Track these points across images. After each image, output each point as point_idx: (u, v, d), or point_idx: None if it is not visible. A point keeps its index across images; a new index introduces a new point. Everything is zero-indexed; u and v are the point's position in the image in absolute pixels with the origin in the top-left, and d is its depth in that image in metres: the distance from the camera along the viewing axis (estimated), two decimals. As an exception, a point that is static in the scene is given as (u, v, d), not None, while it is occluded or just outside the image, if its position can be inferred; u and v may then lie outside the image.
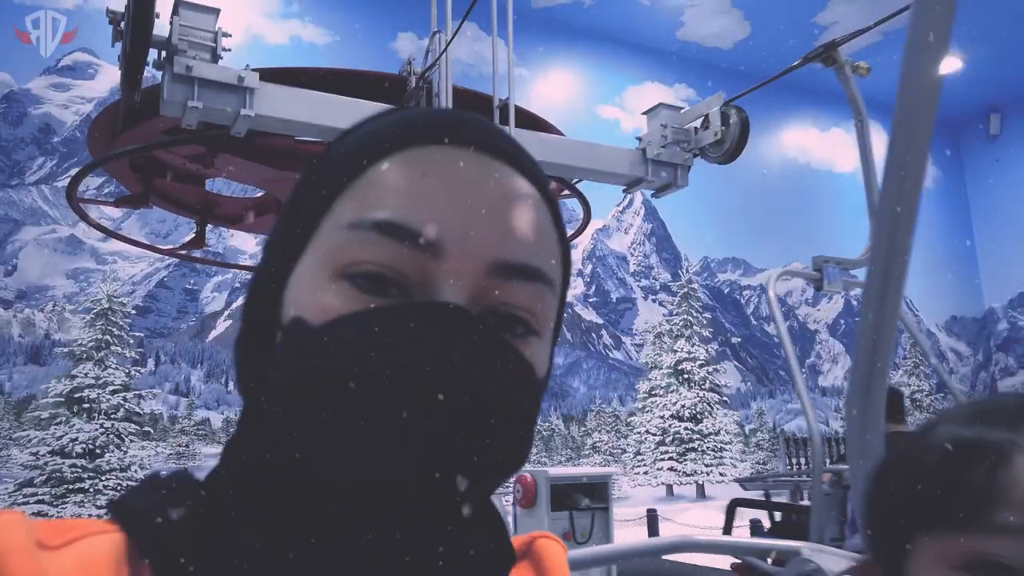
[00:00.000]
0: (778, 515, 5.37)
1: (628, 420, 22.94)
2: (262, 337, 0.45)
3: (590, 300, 24.38)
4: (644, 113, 4.51)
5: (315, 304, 0.41)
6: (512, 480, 3.38)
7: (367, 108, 3.79)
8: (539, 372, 0.45)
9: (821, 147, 19.60)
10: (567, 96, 15.16)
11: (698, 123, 4.39)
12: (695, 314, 20.81)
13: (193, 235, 5.72)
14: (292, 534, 0.41)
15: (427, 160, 0.43)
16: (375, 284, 0.41)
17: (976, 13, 14.72)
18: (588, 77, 15.60)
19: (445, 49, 3.55)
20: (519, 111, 4.33)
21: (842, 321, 17.65)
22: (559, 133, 4.80)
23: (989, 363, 19.39)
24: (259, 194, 5.83)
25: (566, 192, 5.21)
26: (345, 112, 3.47)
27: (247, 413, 0.46)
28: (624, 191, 4.57)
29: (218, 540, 0.41)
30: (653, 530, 11.21)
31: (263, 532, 0.42)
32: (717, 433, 20.72)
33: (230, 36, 3.21)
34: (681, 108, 4.53)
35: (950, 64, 17.40)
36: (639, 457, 21.70)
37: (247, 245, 21.98)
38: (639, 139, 4.44)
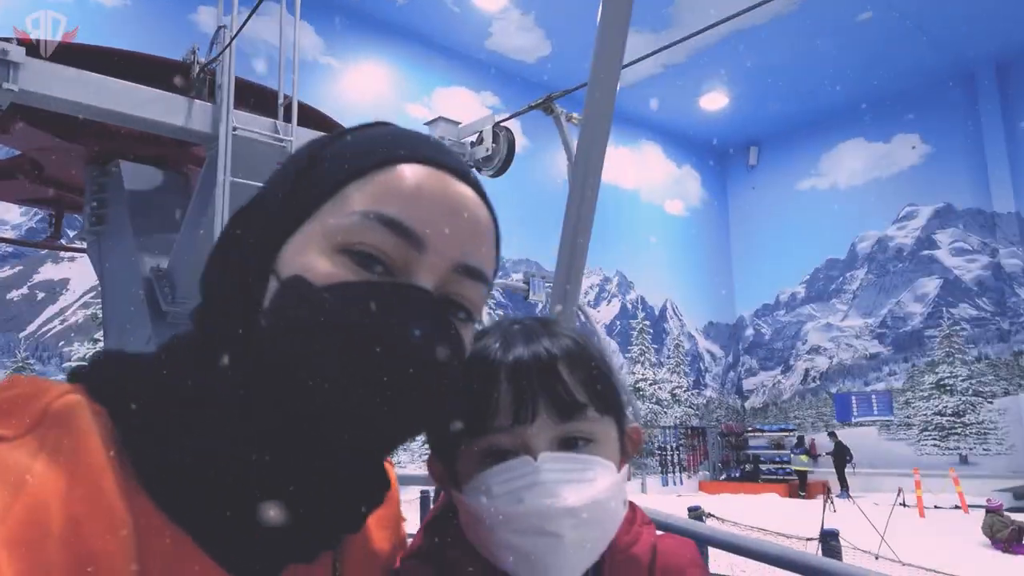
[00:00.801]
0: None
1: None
2: (241, 278, 0.54)
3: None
4: (426, 124, 4.89)
5: (320, 269, 0.51)
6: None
7: (143, 95, 3.84)
8: (467, 351, 0.58)
9: (608, 163, 21.01)
10: (377, 91, 15.12)
11: (474, 138, 4.84)
12: (488, 311, 21.73)
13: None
14: (249, 436, 0.51)
15: (423, 177, 0.56)
16: (367, 261, 0.53)
17: (742, 55, 16.54)
18: (399, 74, 15.63)
19: (229, 44, 3.70)
20: (306, 108, 4.52)
21: (617, 322, 19.18)
22: (337, 125, 5.03)
23: (737, 364, 21.91)
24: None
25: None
26: (118, 96, 3.50)
27: (219, 329, 0.55)
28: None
29: (189, 420, 0.50)
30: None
31: (235, 430, 0.51)
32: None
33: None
34: (459, 123, 4.96)
35: (718, 100, 19.58)
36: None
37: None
38: (418, 146, 4.81)
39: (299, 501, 0.51)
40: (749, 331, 21.97)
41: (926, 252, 18.46)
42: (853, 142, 19.93)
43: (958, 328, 17.60)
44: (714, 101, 19.51)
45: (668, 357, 19.97)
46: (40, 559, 0.40)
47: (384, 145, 0.57)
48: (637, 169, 19.96)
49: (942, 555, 7.81)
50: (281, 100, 4.18)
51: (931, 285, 18.31)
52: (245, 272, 0.54)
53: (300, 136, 4.09)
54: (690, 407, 20.08)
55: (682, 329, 20.65)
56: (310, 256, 0.52)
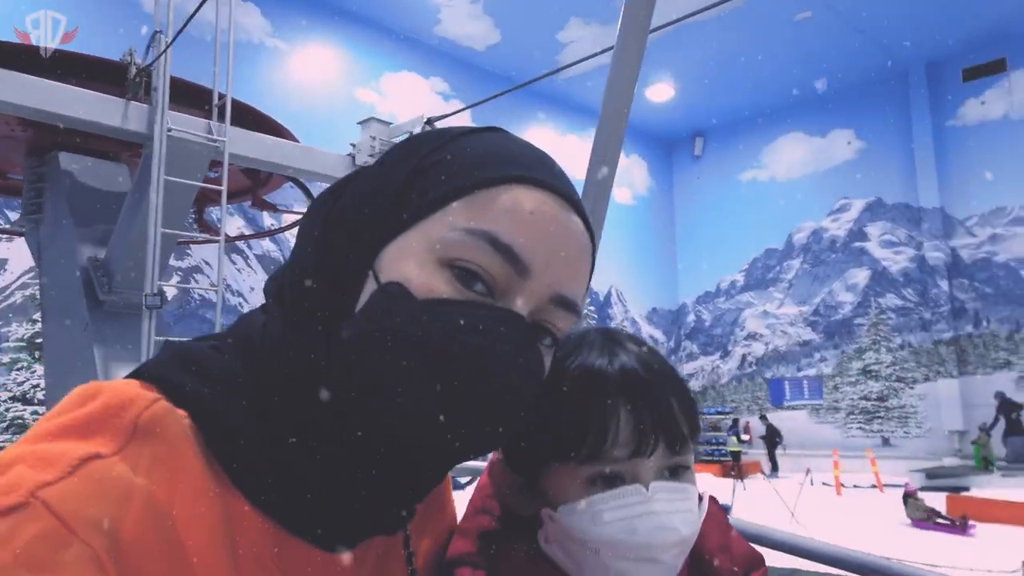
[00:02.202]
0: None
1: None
2: (329, 277, 0.54)
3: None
4: (359, 123, 5.12)
5: (420, 280, 0.51)
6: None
7: (79, 95, 4.00)
8: (546, 374, 0.58)
9: (559, 151, 21.28)
10: (325, 74, 15.02)
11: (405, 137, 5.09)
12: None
13: None
14: (332, 434, 0.53)
15: (538, 203, 0.54)
16: (469, 279, 0.52)
17: (688, 48, 16.93)
18: (348, 58, 15.53)
19: (165, 50, 3.88)
20: (242, 107, 4.72)
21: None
22: (279, 128, 5.21)
23: (679, 349, 22.56)
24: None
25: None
26: (54, 97, 3.67)
27: (300, 331, 0.54)
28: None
29: (268, 430, 0.52)
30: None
31: (311, 435, 0.53)
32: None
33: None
34: (390, 123, 5.21)
35: (664, 92, 20.04)
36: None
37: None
38: (352, 145, 5.04)
39: (379, 486, 0.55)
40: (691, 317, 22.63)
41: (857, 244, 19.28)
42: (792, 136, 20.61)
43: (884, 317, 18.48)
44: (661, 92, 19.96)
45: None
46: (159, 561, 0.43)
47: (501, 161, 0.56)
48: (586, 157, 20.25)
49: (846, 529, 8.43)
50: (216, 100, 4.39)
51: (861, 275, 19.15)
52: (342, 270, 0.54)
53: (234, 136, 4.31)
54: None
55: (626, 315, 21.19)
56: (412, 265, 0.52)
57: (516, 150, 0.58)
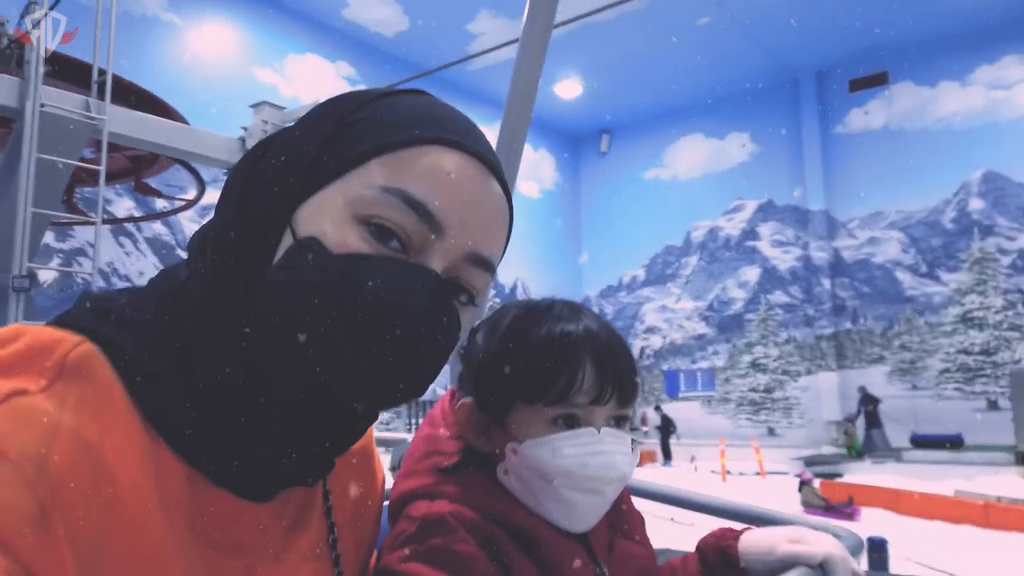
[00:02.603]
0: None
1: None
2: (249, 231, 0.55)
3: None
4: (251, 106, 5.00)
5: (336, 236, 0.52)
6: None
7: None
8: (463, 332, 0.59)
9: (467, 141, 21.30)
10: (224, 53, 14.40)
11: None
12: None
13: None
14: (249, 381, 0.53)
15: (454, 164, 0.56)
16: (383, 235, 0.53)
17: (595, 47, 17.23)
18: (249, 37, 14.93)
19: (42, 19, 3.69)
20: (126, 83, 4.52)
21: (467, 299, 19.58)
22: (167, 108, 5.04)
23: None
24: None
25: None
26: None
27: (222, 283, 0.55)
28: (225, 173, 5.02)
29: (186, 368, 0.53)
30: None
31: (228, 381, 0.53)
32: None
33: None
34: (283, 108, 5.11)
35: (572, 88, 20.37)
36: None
37: None
38: (244, 128, 4.92)
39: (295, 436, 0.56)
40: (594, 310, 23.07)
41: (750, 243, 20.17)
42: (693, 137, 21.33)
43: (772, 313, 19.44)
44: (568, 89, 20.26)
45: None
46: (86, 495, 0.44)
47: (422, 123, 0.57)
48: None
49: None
50: (96, 76, 4.20)
51: (752, 273, 20.06)
52: (261, 225, 0.55)
53: (115, 115, 4.13)
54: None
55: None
56: (328, 221, 0.53)
57: (438, 113, 0.59)
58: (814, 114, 18.93)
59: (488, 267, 0.59)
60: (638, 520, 0.96)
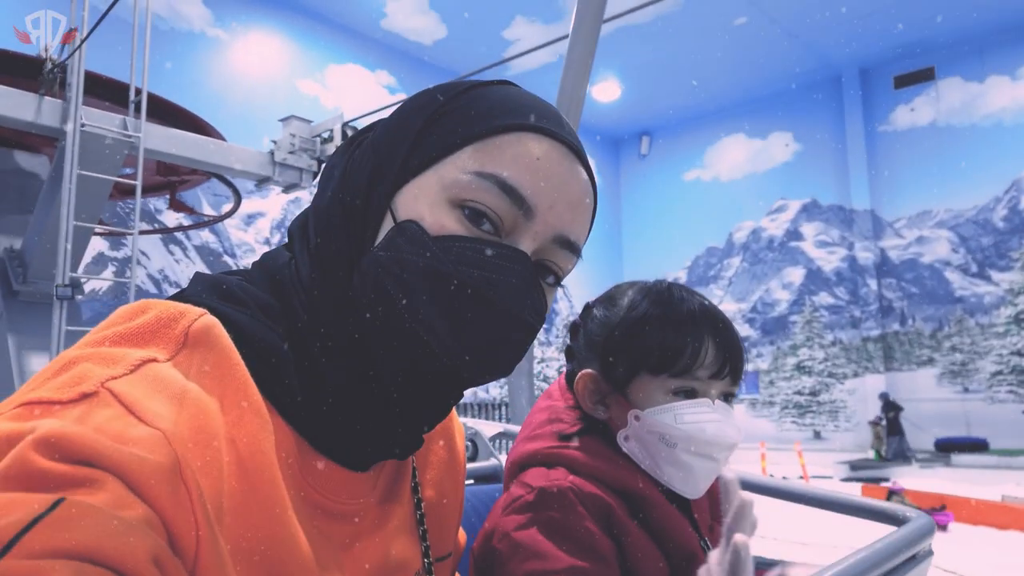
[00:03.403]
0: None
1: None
2: (351, 215, 0.58)
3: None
4: (280, 120, 5.23)
5: (433, 219, 0.56)
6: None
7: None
8: (549, 310, 0.63)
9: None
10: (268, 65, 14.80)
11: (325, 135, 5.23)
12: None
13: None
14: (350, 369, 0.57)
15: (544, 150, 0.59)
16: (478, 218, 0.57)
17: (632, 49, 17.24)
18: (291, 49, 15.31)
19: (80, 46, 3.95)
20: (159, 100, 4.79)
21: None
22: (201, 124, 5.29)
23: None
24: None
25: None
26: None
27: (326, 265, 0.59)
28: (256, 186, 5.25)
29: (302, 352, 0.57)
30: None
31: (341, 358, 0.57)
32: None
33: None
34: (311, 121, 5.33)
35: (611, 91, 20.38)
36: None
37: None
38: (273, 142, 5.15)
39: (397, 408, 0.60)
40: (635, 312, 23.03)
41: (793, 243, 19.89)
42: (734, 137, 21.12)
43: (817, 314, 19.12)
44: (607, 92, 20.28)
45: (556, 336, 20.81)
46: (212, 456, 0.47)
47: (511, 111, 0.61)
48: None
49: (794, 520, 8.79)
50: (132, 96, 4.47)
51: (796, 274, 19.77)
52: (362, 210, 0.59)
53: (149, 131, 4.40)
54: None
55: (571, 310, 21.51)
56: (426, 205, 0.57)
57: (527, 101, 0.62)
58: (858, 112, 18.58)
59: (575, 249, 0.63)
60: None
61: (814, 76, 18.87)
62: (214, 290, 0.58)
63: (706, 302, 0.94)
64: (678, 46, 17.44)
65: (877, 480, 12.96)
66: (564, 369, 1.05)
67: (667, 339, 0.89)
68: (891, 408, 15.86)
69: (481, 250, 0.56)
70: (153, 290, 12.79)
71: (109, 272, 11.85)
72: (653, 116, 21.74)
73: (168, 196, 5.80)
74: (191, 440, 0.45)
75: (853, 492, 9.92)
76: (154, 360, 0.49)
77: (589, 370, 0.94)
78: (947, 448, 14.30)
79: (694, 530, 0.91)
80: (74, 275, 4.17)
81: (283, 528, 0.51)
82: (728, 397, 0.92)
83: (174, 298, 0.57)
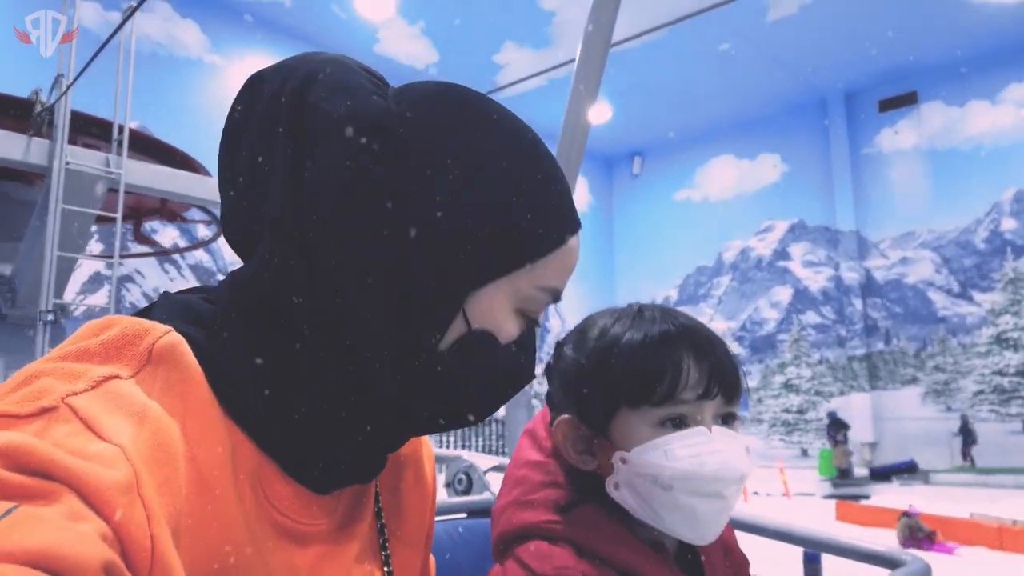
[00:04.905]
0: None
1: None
2: (422, 310, 0.57)
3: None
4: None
5: (502, 328, 0.60)
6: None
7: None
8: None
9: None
10: None
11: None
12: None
13: None
14: (324, 399, 0.58)
15: (577, 243, 0.65)
16: (531, 321, 0.63)
17: (623, 74, 17.61)
18: None
19: (65, 92, 4.31)
20: (142, 137, 5.14)
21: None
22: (186, 159, 5.63)
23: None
24: None
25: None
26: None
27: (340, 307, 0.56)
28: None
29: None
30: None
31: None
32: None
33: None
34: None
35: (603, 113, 20.77)
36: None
37: None
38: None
39: (367, 437, 0.61)
40: (626, 330, 23.29)
41: (781, 263, 20.20)
42: (723, 158, 21.49)
43: (805, 333, 19.40)
44: (599, 113, 20.68)
45: (547, 354, 21.07)
46: (170, 474, 0.46)
47: (567, 212, 0.63)
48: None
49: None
50: (116, 134, 4.82)
51: (784, 293, 20.06)
52: (418, 297, 0.56)
53: (130, 168, 4.75)
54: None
55: (563, 327, 21.80)
56: (498, 314, 0.60)
57: (566, 194, 0.63)
58: (843, 135, 18.94)
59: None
60: (741, 559, 0.92)
61: (800, 100, 19.26)
62: (180, 309, 0.58)
63: (685, 320, 0.84)
64: (666, 71, 17.84)
65: (856, 497, 13.18)
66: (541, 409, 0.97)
67: (641, 363, 0.79)
68: (838, 427, 15.95)
69: (529, 346, 0.64)
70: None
71: (105, 290, 12.20)
72: (645, 137, 22.12)
73: (132, 228, 6.14)
74: (150, 457, 0.45)
75: (828, 509, 9.70)
76: (116, 377, 0.48)
77: (566, 416, 0.85)
78: (882, 476, 14.52)
79: None
80: (58, 301, 4.50)
81: (242, 547, 0.51)
82: (728, 419, 0.82)
83: (139, 315, 0.57)
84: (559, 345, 0.93)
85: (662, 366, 0.79)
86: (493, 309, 0.59)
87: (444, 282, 0.57)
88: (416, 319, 0.56)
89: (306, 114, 0.56)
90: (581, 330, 0.91)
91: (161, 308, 0.58)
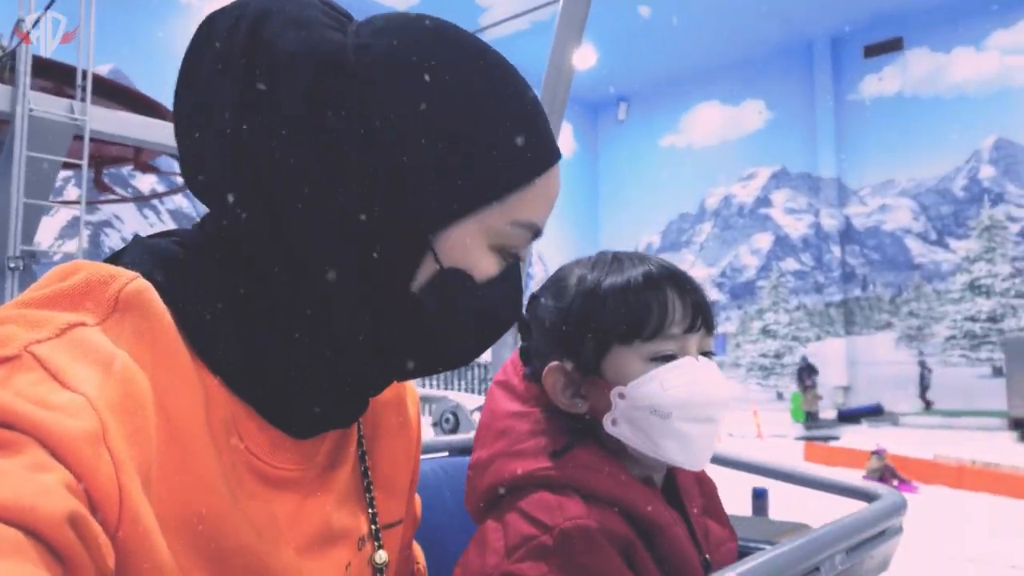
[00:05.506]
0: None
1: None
2: (386, 251, 0.54)
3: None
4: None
5: (477, 266, 0.57)
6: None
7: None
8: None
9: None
10: None
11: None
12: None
13: None
14: (303, 343, 0.56)
15: (557, 175, 0.60)
16: (510, 256, 0.60)
17: (607, 16, 17.36)
18: None
19: (25, 36, 4.29)
20: (106, 82, 5.11)
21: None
22: (155, 106, 5.62)
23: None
24: None
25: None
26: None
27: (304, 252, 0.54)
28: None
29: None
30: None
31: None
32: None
33: None
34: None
35: (588, 58, 20.51)
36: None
37: None
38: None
39: (346, 384, 0.59)
40: (610, 276, 23.46)
41: (763, 210, 20.31)
42: (708, 104, 21.37)
43: (783, 280, 19.65)
44: (584, 58, 20.40)
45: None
46: (140, 424, 0.45)
47: (546, 142, 0.59)
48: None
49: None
50: (79, 80, 4.81)
51: (765, 240, 20.23)
52: (389, 239, 0.54)
53: (94, 115, 4.76)
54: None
55: (546, 273, 21.89)
56: (471, 252, 0.56)
57: (546, 119, 0.60)
58: (828, 80, 18.86)
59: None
60: (712, 489, 0.97)
61: (787, 44, 19.10)
62: (151, 253, 0.55)
63: (660, 261, 0.88)
64: (653, 12, 17.61)
65: (826, 439, 13.58)
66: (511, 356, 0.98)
67: (630, 301, 0.82)
68: (808, 371, 16.21)
69: (511, 282, 0.60)
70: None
71: (84, 235, 12.18)
72: (630, 82, 21.90)
73: (94, 175, 6.15)
74: (118, 407, 0.43)
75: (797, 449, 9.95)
76: (82, 324, 0.46)
77: (555, 362, 0.86)
78: (850, 418, 14.88)
79: (693, 542, 0.85)
80: (26, 247, 4.56)
81: (217, 497, 0.50)
82: (707, 354, 0.86)
83: (109, 260, 0.55)
84: (534, 297, 0.94)
85: (650, 303, 0.82)
86: (466, 247, 0.56)
87: (410, 221, 0.54)
88: (385, 260, 0.54)
89: (258, 53, 0.52)
90: (556, 280, 0.91)
91: (130, 252, 0.55)
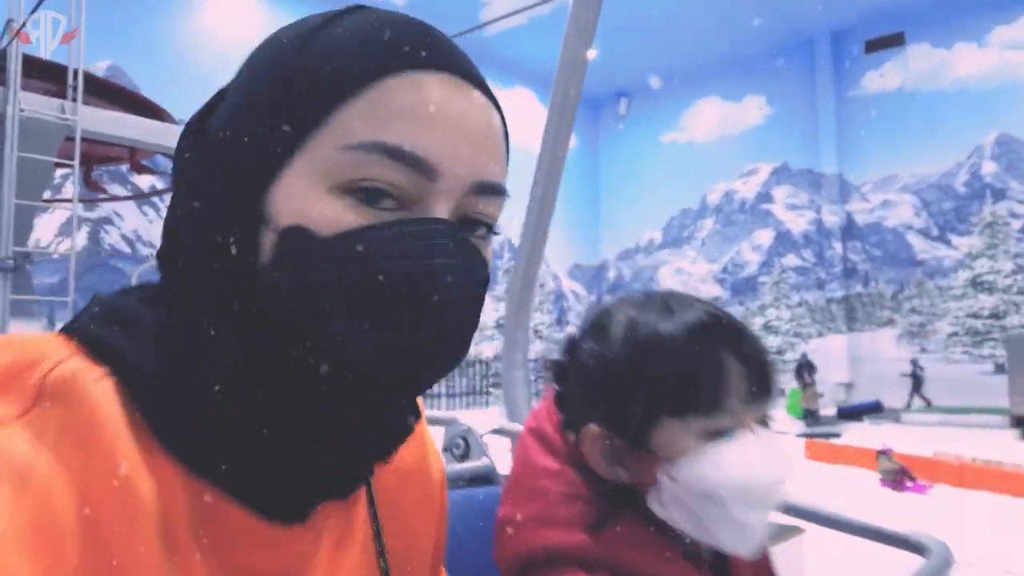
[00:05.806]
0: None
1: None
2: (224, 233, 0.45)
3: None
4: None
5: (321, 218, 0.43)
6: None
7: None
8: (490, 266, 0.52)
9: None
10: (245, 29, 14.15)
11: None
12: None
13: None
14: (270, 389, 0.46)
15: (431, 89, 0.46)
16: (375, 197, 0.44)
17: (609, 11, 17.27)
18: (271, 12, 14.76)
19: (16, 34, 4.26)
20: (98, 81, 5.09)
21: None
22: (149, 104, 5.60)
23: (599, 302, 23.50)
24: None
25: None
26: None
27: (209, 294, 0.46)
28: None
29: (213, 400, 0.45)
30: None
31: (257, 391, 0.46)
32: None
33: None
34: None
35: (588, 53, 20.42)
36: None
37: None
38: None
39: (325, 441, 0.48)
40: (612, 273, 23.49)
41: (764, 206, 20.27)
42: (710, 100, 21.33)
43: (785, 276, 19.61)
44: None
45: (541, 302, 21.30)
46: (59, 562, 0.37)
47: (377, 49, 0.46)
48: (512, 114, 20.42)
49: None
50: (71, 80, 4.79)
51: (766, 236, 20.19)
52: (223, 219, 0.46)
53: (85, 115, 4.73)
54: (551, 342, 21.56)
55: (547, 270, 21.92)
56: (308, 201, 0.44)
57: (392, 29, 0.47)
58: (829, 76, 18.79)
59: (497, 191, 0.51)
60: (767, 564, 0.87)
61: (788, 40, 19.02)
62: (105, 316, 0.47)
63: (715, 311, 0.77)
64: (654, 9, 17.53)
65: (827, 436, 13.55)
66: (544, 400, 0.87)
67: (683, 369, 0.73)
68: (808, 369, 16.11)
69: (390, 236, 0.44)
70: (127, 249, 13.14)
71: (83, 233, 12.19)
72: (632, 78, 21.83)
73: (83, 174, 6.14)
74: (28, 541, 0.36)
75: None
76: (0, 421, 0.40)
77: (594, 427, 0.77)
78: (850, 415, 14.80)
79: None
80: (19, 248, 4.54)
81: None
82: (765, 421, 0.76)
83: (65, 328, 0.47)
84: (572, 340, 0.83)
85: (707, 372, 0.72)
86: (294, 195, 0.44)
87: (232, 188, 0.46)
88: (230, 246, 0.46)
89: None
90: (597, 323, 0.81)
91: (83, 315, 0.49)
